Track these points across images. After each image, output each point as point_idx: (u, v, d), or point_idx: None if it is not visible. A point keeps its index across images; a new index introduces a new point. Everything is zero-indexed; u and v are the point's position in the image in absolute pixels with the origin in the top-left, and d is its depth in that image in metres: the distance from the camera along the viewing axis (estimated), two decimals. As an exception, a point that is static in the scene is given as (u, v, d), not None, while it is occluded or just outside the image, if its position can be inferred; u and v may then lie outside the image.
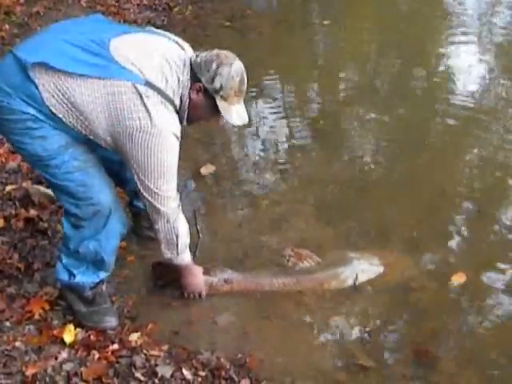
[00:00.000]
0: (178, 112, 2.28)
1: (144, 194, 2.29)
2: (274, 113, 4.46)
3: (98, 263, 2.47)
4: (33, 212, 3.13)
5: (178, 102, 2.26)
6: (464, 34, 5.73)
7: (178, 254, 2.48)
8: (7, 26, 5.70)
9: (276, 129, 4.22)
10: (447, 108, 4.39)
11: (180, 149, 2.28)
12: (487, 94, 4.62)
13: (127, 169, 2.66)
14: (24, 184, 3.26)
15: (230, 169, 3.74)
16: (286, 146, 4.02)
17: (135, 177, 2.28)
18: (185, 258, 2.55)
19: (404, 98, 4.58)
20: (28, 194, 3.23)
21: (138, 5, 6.56)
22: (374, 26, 6.28)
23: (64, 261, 2.47)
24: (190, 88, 2.27)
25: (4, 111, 2.17)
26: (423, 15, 6.29)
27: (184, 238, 2.47)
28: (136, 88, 2.13)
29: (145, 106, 2.13)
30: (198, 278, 2.68)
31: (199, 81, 2.25)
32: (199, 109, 2.31)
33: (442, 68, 5.13)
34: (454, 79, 4.85)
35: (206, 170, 3.64)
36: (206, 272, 2.71)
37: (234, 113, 2.31)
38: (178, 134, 2.26)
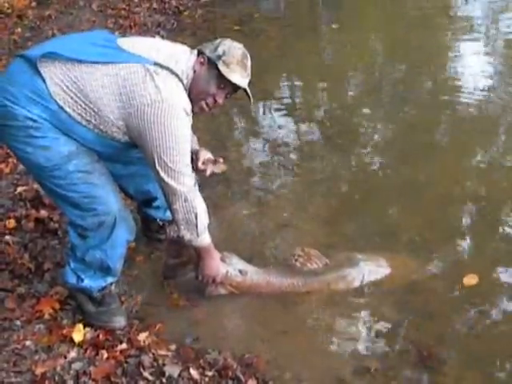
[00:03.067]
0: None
1: (161, 174, 2.26)
2: (282, 115, 4.49)
3: (104, 270, 2.48)
4: (43, 212, 3.17)
5: (185, 82, 2.28)
6: (470, 37, 5.73)
7: (198, 234, 2.42)
8: (19, 30, 5.78)
9: (284, 131, 4.25)
10: (454, 110, 4.41)
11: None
12: (493, 97, 4.61)
13: (131, 183, 2.72)
14: (35, 185, 3.28)
15: (238, 170, 3.77)
16: (294, 148, 4.04)
17: (151, 159, 2.24)
18: (204, 239, 2.48)
19: (411, 100, 4.59)
20: (39, 194, 3.26)
21: (148, 8, 6.63)
22: (382, 30, 6.30)
23: (72, 265, 2.49)
24: (195, 64, 2.30)
25: (6, 116, 2.17)
26: (430, 18, 6.29)
27: (203, 218, 2.40)
28: (145, 67, 2.16)
29: (154, 82, 2.15)
30: (216, 262, 2.62)
31: (203, 54, 2.31)
32: (202, 81, 2.31)
33: (448, 71, 5.14)
34: (461, 82, 4.85)
35: (218, 168, 3.68)
36: (222, 259, 2.69)
37: (236, 76, 2.31)
38: (188, 110, 2.27)
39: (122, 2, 6.74)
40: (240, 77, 2.33)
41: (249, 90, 2.40)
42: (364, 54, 5.62)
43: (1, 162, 3.68)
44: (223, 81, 2.32)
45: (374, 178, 3.66)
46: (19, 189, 3.38)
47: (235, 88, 2.37)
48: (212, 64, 2.30)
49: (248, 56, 2.38)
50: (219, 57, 2.29)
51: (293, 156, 3.94)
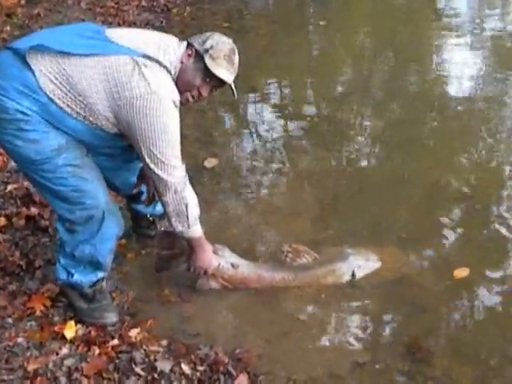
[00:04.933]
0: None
1: (151, 166, 2.27)
2: (271, 112, 4.51)
3: (94, 264, 2.49)
4: (34, 210, 3.16)
5: (173, 74, 2.29)
6: (458, 34, 5.76)
7: (189, 226, 2.43)
8: (8, 28, 5.77)
9: (273, 128, 4.27)
10: (442, 107, 4.43)
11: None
12: (481, 93, 4.65)
13: (117, 176, 2.70)
14: (25, 183, 3.29)
15: (228, 167, 3.78)
16: (283, 144, 4.05)
17: (141, 151, 2.25)
18: (196, 230, 2.50)
19: (399, 97, 4.63)
20: (29, 192, 3.26)
21: (136, 6, 6.62)
22: (370, 27, 6.32)
23: (62, 261, 2.49)
24: (183, 55, 2.31)
25: None
26: (418, 15, 6.33)
27: (194, 209, 2.42)
28: (134, 59, 2.17)
29: (143, 74, 2.16)
30: (208, 254, 2.64)
31: (192, 46, 2.32)
32: (188, 72, 2.31)
33: (436, 67, 5.17)
34: (449, 78, 4.89)
35: (209, 163, 3.73)
36: (214, 252, 2.70)
37: (221, 71, 2.32)
38: (177, 103, 2.27)
39: (110, 0, 6.72)
40: (226, 71, 2.33)
41: (233, 86, 2.40)
42: (352, 51, 5.65)
43: (-9, 160, 3.67)
44: (209, 74, 2.32)
45: (363, 173, 3.68)
46: (9, 187, 3.38)
47: (221, 82, 2.37)
48: (199, 57, 2.31)
49: (236, 51, 2.39)
50: (206, 50, 2.30)
51: (282, 152, 3.95)
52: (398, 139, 4.03)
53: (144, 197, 2.91)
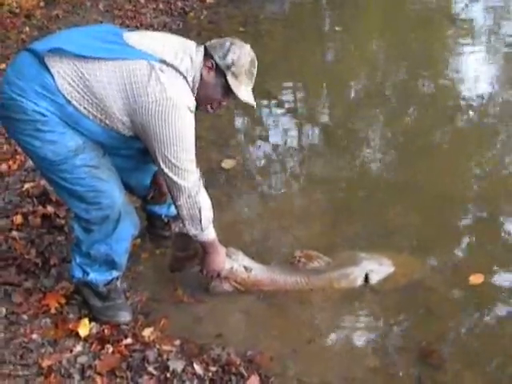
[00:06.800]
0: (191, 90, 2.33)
1: (165, 170, 2.28)
2: (285, 116, 4.53)
3: (109, 263, 2.51)
4: (50, 209, 3.20)
5: (190, 80, 2.30)
6: (472, 40, 5.76)
7: (202, 229, 2.45)
8: (27, 29, 5.84)
9: (287, 132, 4.29)
10: (454, 113, 4.43)
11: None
12: (493, 100, 4.64)
13: (132, 177, 2.72)
14: (42, 182, 3.31)
15: (241, 170, 3.80)
16: (296, 148, 4.07)
17: (155, 155, 2.27)
18: (209, 233, 2.51)
19: (412, 103, 4.63)
20: (46, 191, 3.30)
21: (154, 9, 6.68)
22: (384, 33, 6.34)
23: (77, 260, 2.52)
24: (203, 67, 2.31)
25: (15, 110, 2.19)
26: (432, 22, 6.33)
27: (207, 212, 2.43)
28: (151, 64, 2.18)
29: (159, 79, 2.17)
30: (221, 257, 2.65)
31: (212, 58, 2.32)
32: (209, 87, 2.33)
33: (449, 74, 5.17)
34: (461, 85, 4.90)
35: (227, 164, 3.75)
36: (228, 255, 2.72)
37: (244, 91, 2.35)
38: (192, 108, 2.28)
39: (128, 3, 6.80)
40: (245, 91, 2.35)
41: (254, 102, 2.42)
42: (366, 57, 5.65)
43: (8, 158, 3.71)
44: (230, 91, 2.34)
45: (376, 178, 3.69)
46: (26, 185, 3.42)
47: None
48: (220, 72, 2.32)
49: (256, 62, 2.39)
50: (228, 67, 2.30)
51: (296, 156, 3.97)
52: (411, 145, 4.03)
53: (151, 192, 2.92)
